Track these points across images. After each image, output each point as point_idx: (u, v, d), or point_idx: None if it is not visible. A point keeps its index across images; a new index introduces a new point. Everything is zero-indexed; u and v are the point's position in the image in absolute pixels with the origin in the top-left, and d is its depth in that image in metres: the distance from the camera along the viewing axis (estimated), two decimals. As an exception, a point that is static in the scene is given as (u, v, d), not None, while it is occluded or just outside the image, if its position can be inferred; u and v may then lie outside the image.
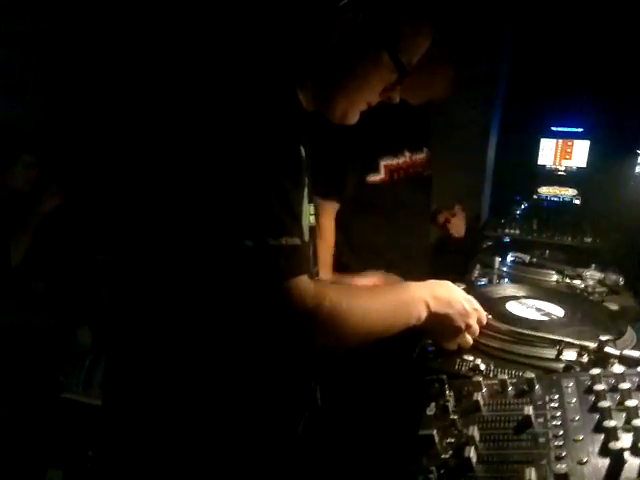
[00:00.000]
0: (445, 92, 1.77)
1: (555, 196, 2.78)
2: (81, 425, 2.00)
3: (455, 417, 0.84)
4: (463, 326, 1.04)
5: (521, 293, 1.33)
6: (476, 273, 1.60)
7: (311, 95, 0.99)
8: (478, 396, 0.87)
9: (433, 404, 0.88)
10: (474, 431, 0.78)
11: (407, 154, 1.74)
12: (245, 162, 0.83)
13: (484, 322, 1.08)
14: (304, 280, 0.85)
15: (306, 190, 0.96)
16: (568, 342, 1.02)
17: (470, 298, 1.07)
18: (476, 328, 1.06)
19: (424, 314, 0.99)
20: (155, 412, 0.93)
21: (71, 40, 2.81)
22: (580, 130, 3.01)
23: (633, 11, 2.50)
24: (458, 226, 2.06)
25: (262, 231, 0.83)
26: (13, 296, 2.19)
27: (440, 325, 1.03)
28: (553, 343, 1.03)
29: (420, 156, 1.81)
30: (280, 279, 0.83)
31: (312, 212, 1.04)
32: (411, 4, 0.95)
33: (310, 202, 1.01)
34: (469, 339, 1.05)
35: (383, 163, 1.66)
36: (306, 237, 0.95)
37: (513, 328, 1.09)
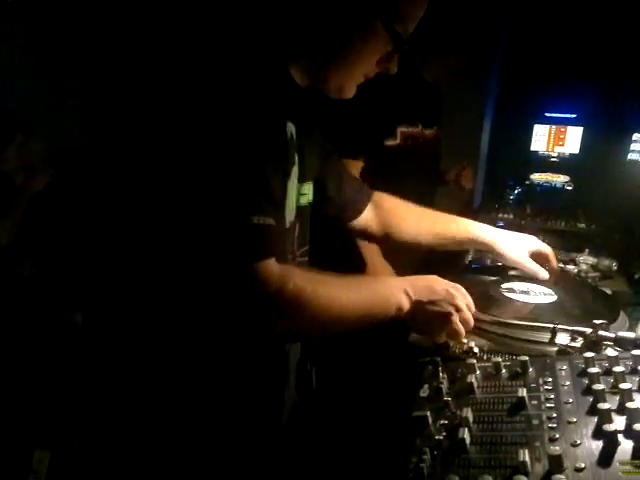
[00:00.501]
0: (459, 68, 1.89)
1: (547, 182, 2.79)
2: (69, 405, 2.00)
3: (449, 399, 0.83)
4: (452, 310, 0.98)
5: (514, 276, 1.32)
6: (470, 256, 1.60)
7: (305, 70, 0.96)
8: (472, 378, 0.86)
9: (427, 386, 0.88)
10: (468, 413, 0.77)
11: (420, 127, 1.95)
12: (220, 139, 0.81)
13: (472, 308, 1.03)
14: (270, 263, 0.82)
15: (295, 169, 0.93)
16: (562, 326, 1.02)
17: (455, 285, 1.04)
18: (467, 315, 1.00)
19: (405, 303, 0.96)
20: (134, 392, 0.93)
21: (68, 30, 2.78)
22: (573, 116, 3.01)
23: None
24: (467, 178, 2.25)
25: (234, 208, 0.80)
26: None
27: (426, 314, 0.98)
28: (547, 327, 1.03)
29: (430, 132, 1.99)
30: (247, 260, 0.80)
31: (305, 191, 1.01)
32: None
33: (303, 181, 0.98)
34: (460, 327, 0.98)
35: (400, 130, 1.88)
36: (288, 219, 0.92)
37: (507, 312, 1.09)
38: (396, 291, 0.96)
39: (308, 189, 1.03)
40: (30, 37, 2.75)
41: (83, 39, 2.80)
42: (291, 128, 0.92)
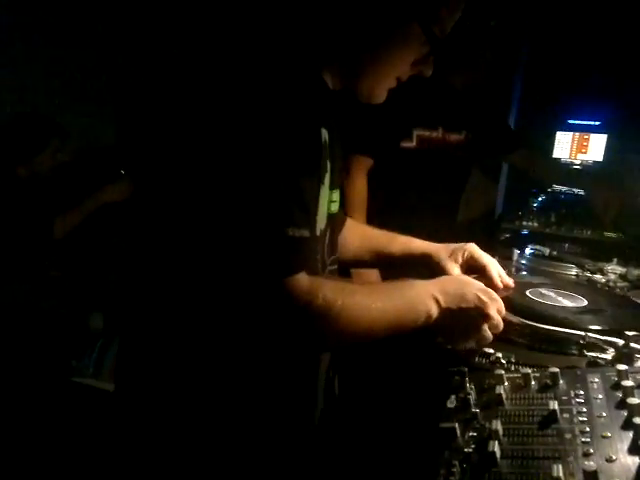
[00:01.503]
0: (488, 77, 1.89)
1: (570, 189, 2.75)
2: (91, 410, 2.01)
3: (477, 410, 0.82)
4: (482, 319, 0.96)
5: (541, 283, 1.30)
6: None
7: (338, 74, 0.95)
8: (500, 389, 0.85)
9: (454, 397, 0.87)
10: (497, 425, 0.76)
11: (441, 131, 1.92)
12: (255, 147, 0.79)
13: (503, 312, 1.00)
14: (300, 277, 0.80)
15: (327, 176, 0.92)
16: (593, 337, 0.99)
17: (486, 289, 1.00)
18: (498, 320, 0.98)
19: (435, 311, 0.93)
20: (164, 399, 0.92)
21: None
22: (597, 124, 2.97)
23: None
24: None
25: (268, 220, 0.78)
26: (29, 279, 2.22)
27: (455, 322, 0.96)
28: (577, 337, 1.01)
29: (456, 137, 1.97)
30: (278, 273, 0.78)
31: (334, 199, 1.00)
32: None
33: (333, 188, 0.97)
34: (489, 334, 0.96)
35: (416, 132, 1.87)
36: (318, 227, 0.91)
37: (536, 320, 1.07)
38: (426, 298, 0.94)
39: (337, 196, 1.01)
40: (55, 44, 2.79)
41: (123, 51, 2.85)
42: (325, 134, 0.90)
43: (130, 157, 2.49)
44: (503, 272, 1.14)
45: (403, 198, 1.88)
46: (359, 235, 1.28)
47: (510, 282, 1.12)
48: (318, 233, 0.92)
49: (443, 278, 1.03)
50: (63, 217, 2.37)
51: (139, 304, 0.97)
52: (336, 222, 1.03)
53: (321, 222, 0.92)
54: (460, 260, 1.16)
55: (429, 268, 1.18)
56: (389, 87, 0.97)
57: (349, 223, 1.27)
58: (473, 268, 1.16)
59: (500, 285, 1.10)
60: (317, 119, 0.88)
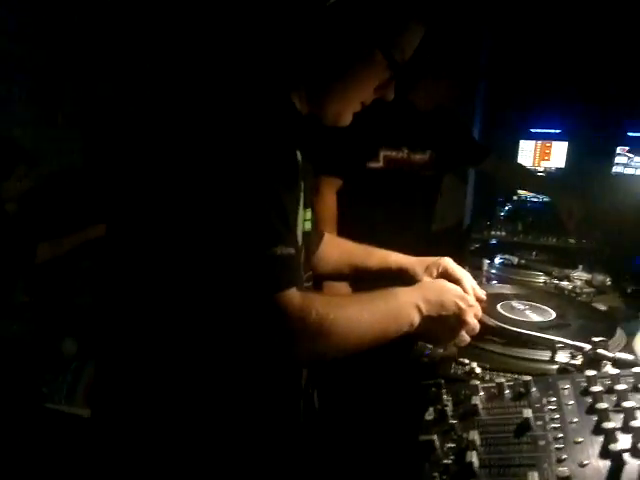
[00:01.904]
0: (450, 98, 1.93)
1: (535, 197, 2.83)
2: (64, 436, 1.97)
3: (454, 422, 0.84)
4: (459, 325, 1.01)
5: (512, 295, 1.34)
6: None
7: (305, 97, 0.97)
8: (476, 400, 0.87)
9: (431, 409, 0.88)
10: (474, 435, 0.78)
11: (406, 151, 1.95)
12: (240, 170, 0.81)
13: (479, 316, 1.05)
14: (292, 293, 0.82)
15: (302, 195, 0.94)
16: (562, 343, 1.03)
17: (464, 295, 1.04)
18: (474, 324, 1.02)
19: (417, 319, 0.97)
20: (147, 420, 0.92)
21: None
22: (558, 132, 3.07)
23: (609, 15, 2.55)
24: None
25: (257, 241, 0.80)
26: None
27: (435, 327, 1.00)
28: (547, 345, 1.05)
29: (420, 156, 1.99)
30: (269, 291, 0.80)
31: (308, 217, 1.02)
32: (401, 1, 0.93)
33: (307, 207, 0.99)
34: (466, 337, 1.03)
35: (383, 153, 1.90)
36: (299, 245, 0.93)
37: (507, 330, 1.10)
38: (409, 308, 0.97)
39: (310, 215, 1.04)
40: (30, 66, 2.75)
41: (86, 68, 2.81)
42: (299, 155, 0.92)
43: (102, 180, 2.47)
44: (476, 285, 1.17)
45: (372, 214, 1.91)
46: (338, 249, 1.30)
47: (483, 295, 1.15)
48: (300, 249, 0.94)
49: (423, 284, 1.07)
50: (46, 245, 2.33)
51: (121, 326, 0.97)
52: (310, 240, 1.05)
53: (300, 240, 0.94)
54: (435, 274, 1.18)
55: (405, 282, 1.19)
56: (354, 111, 1.00)
57: (328, 238, 1.29)
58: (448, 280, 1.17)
59: (473, 299, 1.13)
60: (292, 141, 0.91)
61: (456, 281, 1.15)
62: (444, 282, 1.08)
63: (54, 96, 2.79)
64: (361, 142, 1.79)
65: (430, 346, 1.09)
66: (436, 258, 1.20)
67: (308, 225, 1.03)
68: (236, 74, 0.93)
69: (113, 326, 1.00)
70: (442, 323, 1.00)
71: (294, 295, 0.83)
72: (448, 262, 1.19)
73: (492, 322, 1.12)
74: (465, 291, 1.12)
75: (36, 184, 2.43)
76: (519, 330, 1.09)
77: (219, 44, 1.02)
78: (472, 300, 1.05)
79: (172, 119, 0.92)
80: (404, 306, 0.97)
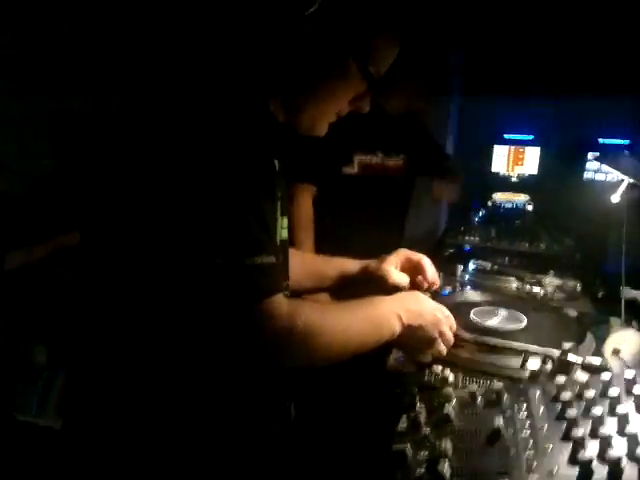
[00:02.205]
0: (417, 103, 1.93)
1: (509, 202, 2.87)
2: (35, 448, 1.92)
3: (427, 430, 0.84)
4: (437, 335, 1.04)
5: (484, 301, 1.35)
6: (439, 281, 1.62)
7: (281, 106, 0.97)
8: (449, 408, 0.88)
9: (405, 417, 0.89)
10: (447, 444, 0.78)
11: (380, 156, 1.96)
12: (219, 179, 0.81)
13: (454, 328, 1.09)
14: (279, 300, 0.84)
15: (279, 203, 0.95)
16: (532, 351, 1.04)
17: (440, 306, 1.08)
18: (450, 336, 1.06)
19: (398, 328, 0.99)
20: (121, 431, 0.91)
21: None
22: (531, 137, 3.12)
23: (581, 22, 2.60)
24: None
25: (238, 249, 0.81)
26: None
27: (414, 337, 1.03)
28: (518, 352, 1.06)
29: (394, 161, 2.00)
30: (256, 300, 0.81)
31: (284, 225, 1.02)
32: (378, 15, 0.94)
33: (283, 215, 0.99)
34: (443, 348, 1.06)
35: (357, 158, 1.91)
36: (280, 253, 0.94)
37: (479, 338, 1.12)
38: (390, 316, 0.99)
39: (285, 223, 1.04)
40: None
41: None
42: (276, 163, 0.93)
43: (74, 187, 2.42)
44: (433, 269, 1.25)
45: (347, 220, 1.91)
46: (298, 261, 1.31)
47: (437, 280, 1.26)
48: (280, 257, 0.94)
49: (403, 295, 1.09)
50: (16, 254, 2.26)
51: (98, 335, 0.96)
52: (286, 248, 1.06)
53: (279, 248, 0.94)
54: (395, 263, 1.24)
55: (371, 281, 1.24)
56: (329, 121, 1.00)
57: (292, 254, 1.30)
58: (409, 266, 1.25)
59: (432, 278, 1.23)
60: (270, 149, 0.91)
61: (417, 262, 1.24)
62: (420, 293, 1.10)
63: (26, 99, 2.74)
64: (335, 148, 1.78)
65: (402, 355, 1.11)
66: (392, 253, 1.26)
67: (285, 233, 1.03)
68: (214, 82, 0.93)
69: (88, 335, 0.99)
70: (421, 332, 1.03)
71: (281, 301, 0.84)
72: (405, 250, 1.26)
73: (465, 334, 1.13)
74: (424, 270, 1.23)
75: (4, 190, 2.37)
76: (490, 340, 1.11)
77: (197, 52, 1.02)
78: (447, 311, 1.09)
79: (150, 128, 0.92)
80: (386, 314, 0.99)
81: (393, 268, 1.23)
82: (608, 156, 1.38)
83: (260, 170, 0.86)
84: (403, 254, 1.25)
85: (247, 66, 0.94)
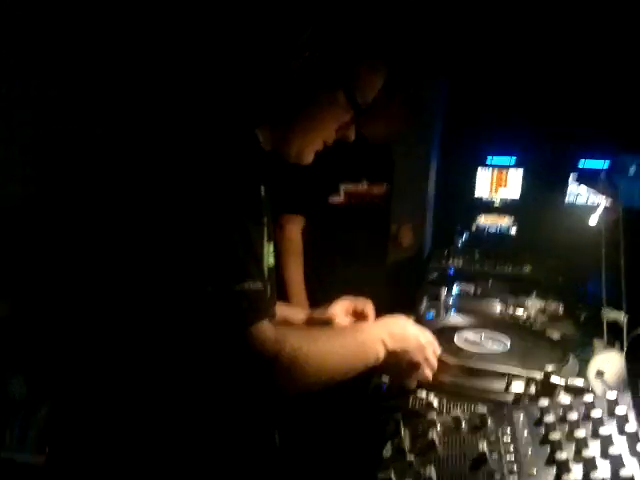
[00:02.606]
0: (399, 131, 1.99)
1: (493, 225, 2.89)
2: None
3: (412, 457, 0.83)
4: (421, 360, 1.04)
5: (468, 325, 1.36)
6: (424, 305, 1.62)
7: (268, 135, 0.99)
8: (433, 434, 0.87)
9: (389, 444, 0.88)
10: (431, 471, 0.78)
11: (365, 184, 1.97)
12: (207, 206, 0.82)
13: (438, 353, 1.09)
14: (265, 326, 0.84)
15: (266, 230, 0.95)
16: (516, 374, 1.04)
17: (424, 331, 1.08)
18: (434, 361, 1.06)
19: (382, 353, 0.99)
20: (109, 460, 0.90)
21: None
22: (513, 161, 3.17)
23: (562, 49, 2.67)
24: (405, 235, 2.35)
25: (225, 276, 0.81)
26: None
27: (398, 362, 1.03)
28: (502, 375, 1.06)
29: (378, 189, 2.02)
30: (242, 326, 0.81)
31: (271, 251, 1.03)
32: (365, 45, 0.97)
33: (270, 241, 1.00)
34: (428, 373, 1.06)
35: (343, 187, 1.90)
36: (266, 279, 0.94)
37: (463, 362, 1.12)
38: (375, 342, 0.99)
39: (272, 249, 1.05)
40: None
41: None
42: (263, 192, 0.95)
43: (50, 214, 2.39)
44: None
45: (335, 248, 1.92)
46: None
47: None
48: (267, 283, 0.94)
49: (388, 320, 1.08)
50: None
51: (83, 366, 0.95)
52: (273, 275, 1.06)
53: (266, 274, 0.94)
54: (340, 310, 1.24)
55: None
56: (316, 150, 1.02)
57: None
58: (354, 313, 1.26)
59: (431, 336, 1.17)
60: (257, 177, 0.93)
61: (362, 310, 1.24)
62: (405, 318, 1.10)
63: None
64: (322, 178, 1.80)
65: (386, 381, 1.10)
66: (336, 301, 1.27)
67: (272, 259, 1.03)
68: (203, 111, 0.94)
69: (73, 365, 0.98)
70: (405, 358, 1.03)
71: (267, 328, 0.84)
72: (349, 298, 1.27)
73: (449, 358, 1.13)
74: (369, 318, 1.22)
75: None
76: (474, 364, 1.11)
77: (187, 80, 1.03)
78: (431, 336, 1.09)
79: (138, 155, 0.93)
80: (371, 340, 0.99)
81: (339, 314, 1.24)
82: (586, 179, 1.40)
83: (247, 197, 0.87)
84: (347, 302, 1.26)
85: (236, 95, 0.96)
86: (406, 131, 2.07)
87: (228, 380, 0.86)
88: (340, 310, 1.24)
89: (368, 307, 1.24)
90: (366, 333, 1.00)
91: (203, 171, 0.84)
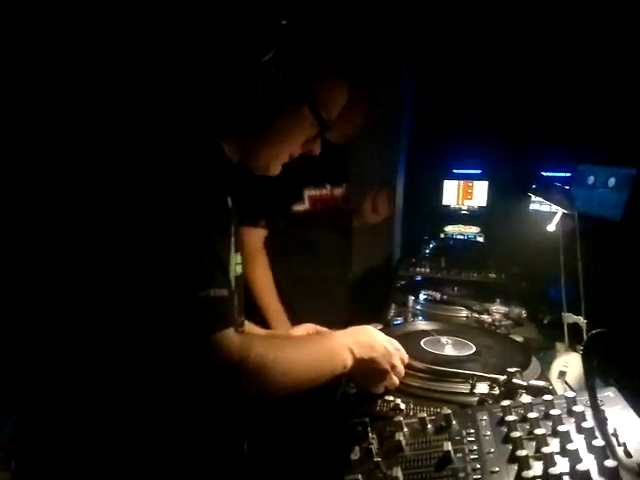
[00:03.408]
0: (359, 129, 1.97)
1: (460, 234, 2.95)
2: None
3: (379, 459, 0.84)
4: (388, 367, 1.06)
5: (434, 330, 1.38)
6: (391, 312, 1.65)
7: (235, 148, 1.01)
8: (400, 436, 0.88)
9: (357, 448, 0.89)
10: (398, 472, 0.79)
11: (328, 187, 1.94)
12: (173, 215, 0.83)
13: (406, 361, 1.11)
14: (230, 333, 0.84)
15: (233, 239, 0.96)
16: (480, 376, 1.07)
17: (391, 339, 1.10)
18: (401, 368, 1.08)
19: (349, 361, 1.00)
20: (74, 467, 0.89)
21: None
22: (479, 172, 3.25)
23: (528, 62, 2.75)
24: (383, 202, 2.17)
25: (190, 283, 0.82)
26: None
27: (366, 370, 1.04)
28: (466, 378, 1.08)
29: (340, 191, 2.00)
30: (207, 332, 0.82)
31: (238, 261, 1.04)
32: (329, 62, 1.01)
33: (237, 251, 1.01)
34: (395, 380, 1.08)
35: (307, 194, 1.85)
36: (232, 288, 0.94)
37: (429, 366, 1.14)
38: (342, 350, 1.00)
39: (239, 259, 1.05)
40: None
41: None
42: (229, 202, 0.96)
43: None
44: None
45: (296, 253, 1.88)
46: None
47: None
48: (233, 291, 0.95)
49: (355, 329, 1.10)
50: None
51: (47, 377, 0.94)
52: (240, 284, 1.07)
53: (233, 283, 0.95)
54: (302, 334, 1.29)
55: None
56: (282, 162, 1.05)
57: None
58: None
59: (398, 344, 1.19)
60: (223, 187, 0.93)
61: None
62: (372, 328, 1.12)
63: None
64: (284, 186, 1.73)
65: (353, 387, 1.11)
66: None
67: (239, 269, 1.04)
68: (170, 122, 0.95)
69: (36, 377, 0.96)
70: (372, 365, 1.05)
71: (233, 335, 0.85)
72: (312, 325, 1.30)
73: (416, 363, 1.16)
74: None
75: None
76: (440, 368, 1.14)
77: (151, 91, 1.04)
78: (398, 344, 1.11)
79: (105, 163, 0.93)
80: (338, 348, 1.01)
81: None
82: (541, 188, 1.45)
83: (213, 206, 0.88)
84: (312, 327, 1.30)
85: (202, 108, 0.98)
86: (372, 141, 2.08)
87: (194, 387, 0.86)
88: (303, 332, 1.28)
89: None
90: (334, 341, 1.02)
91: (170, 180, 0.85)
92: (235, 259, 1.01)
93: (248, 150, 1.02)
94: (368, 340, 1.05)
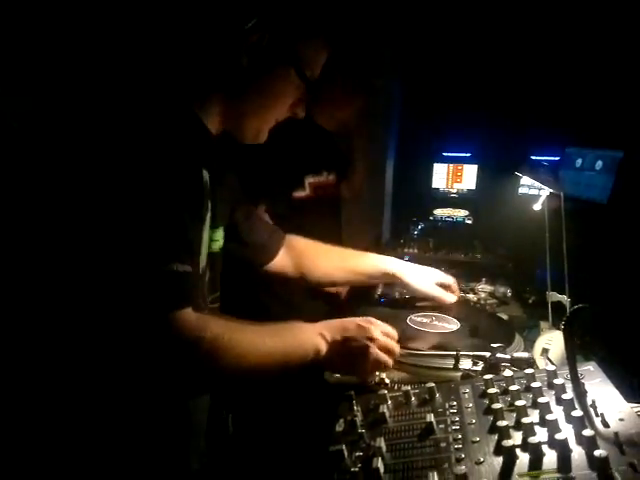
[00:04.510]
0: (354, 116, 1.98)
1: (449, 217, 2.96)
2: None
3: (363, 431, 0.86)
4: (367, 342, 1.02)
5: (421, 307, 1.40)
6: (379, 291, 1.66)
7: (220, 117, 0.99)
8: (384, 408, 0.90)
9: (342, 420, 0.90)
10: (381, 442, 0.80)
11: (325, 174, 1.95)
12: (140, 187, 0.81)
13: (393, 334, 1.08)
14: (187, 312, 0.83)
15: (208, 215, 0.95)
16: (464, 353, 1.08)
17: (367, 318, 1.08)
18: (385, 341, 1.04)
19: (322, 346, 0.99)
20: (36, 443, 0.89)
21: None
22: (468, 155, 3.25)
23: (513, 47, 2.75)
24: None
25: (153, 256, 0.81)
26: None
27: (345, 352, 1.01)
28: (451, 354, 1.10)
29: (332, 177, 2.00)
30: (165, 309, 0.81)
31: (216, 238, 1.03)
32: (311, 24, 1.00)
33: (214, 227, 1.00)
34: (382, 355, 1.02)
35: (308, 180, 1.86)
36: (201, 264, 0.93)
37: (415, 342, 1.15)
38: (312, 335, 0.99)
39: (219, 235, 1.04)
40: None
41: None
42: (205, 175, 0.94)
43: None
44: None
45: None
46: (328, 255, 1.37)
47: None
48: (200, 271, 0.94)
49: (326, 321, 1.08)
50: None
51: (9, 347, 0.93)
52: (217, 261, 1.06)
53: (202, 260, 0.94)
54: (431, 280, 1.38)
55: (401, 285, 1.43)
56: (269, 127, 1.04)
57: (308, 244, 1.37)
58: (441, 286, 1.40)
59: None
60: (197, 161, 0.92)
61: (447, 285, 1.40)
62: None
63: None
64: (286, 174, 1.74)
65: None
66: (427, 269, 1.42)
67: (216, 245, 1.03)
68: (142, 93, 0.94)
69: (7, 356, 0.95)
70: (350, 345, 1.02)
71: (189, 314, 0.84)
72: (439, 275, 1.41)
73: (402, 340, 1.14)
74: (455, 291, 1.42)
75: None
76: (426, 344, 1.16)
77: (126, 59, 1.03)
78: (375, 320, 1.08)
79: (73, 134, 0.92)
80: (308, 334, 1.00)
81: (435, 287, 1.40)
82: (529, 168, 1.46)
83: (183, 180, 0.86)
84: (439, 276, 1.42)
85: (177, 80, 0.97)
86: (362, 122, 2.08)
87: (152, 362, 0.85)
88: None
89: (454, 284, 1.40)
90: (303, 327, 1.01)
91: (138, 151, 0.83)
92: (212, 235, 1.00)
93: (236, 119, 1.00)
94: (338, 323, 1.04)
